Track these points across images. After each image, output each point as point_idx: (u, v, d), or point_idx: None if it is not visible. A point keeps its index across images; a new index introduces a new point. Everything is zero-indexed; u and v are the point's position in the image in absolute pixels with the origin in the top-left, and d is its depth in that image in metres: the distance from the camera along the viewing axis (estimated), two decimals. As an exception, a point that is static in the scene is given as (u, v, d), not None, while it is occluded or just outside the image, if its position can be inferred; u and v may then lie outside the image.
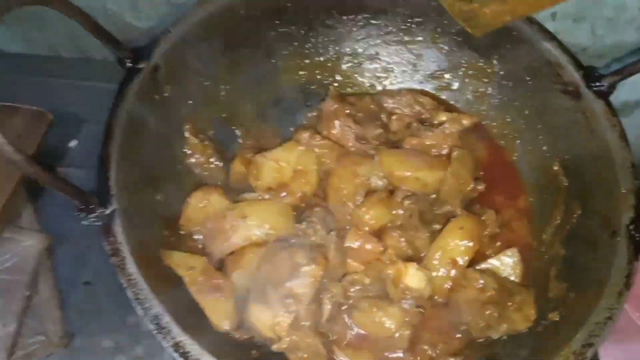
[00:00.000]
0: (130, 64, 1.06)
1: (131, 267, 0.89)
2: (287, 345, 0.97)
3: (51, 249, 1.25)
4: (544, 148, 1.18)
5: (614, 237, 0.95)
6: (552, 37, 1.13)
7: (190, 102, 1.19)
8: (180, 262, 1.03)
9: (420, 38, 1.30)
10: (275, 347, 0.97)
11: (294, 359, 0.99)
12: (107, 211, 0.92)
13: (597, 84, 1.08)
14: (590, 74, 1.09)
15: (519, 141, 1.24)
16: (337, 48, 1.32)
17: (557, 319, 0.95)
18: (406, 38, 1.30)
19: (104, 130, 0.99)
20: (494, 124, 1.28)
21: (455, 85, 1.32)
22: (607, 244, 0.95)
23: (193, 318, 0.93)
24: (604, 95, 1.07)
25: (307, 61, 1.32)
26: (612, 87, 1.08)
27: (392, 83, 1.36)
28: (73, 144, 1.46)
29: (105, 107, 1.01)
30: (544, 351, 0.87)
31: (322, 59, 1.33)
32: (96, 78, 1.56)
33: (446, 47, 1.28)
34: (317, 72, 1.33)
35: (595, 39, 1.47)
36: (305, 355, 0.99)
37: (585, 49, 1.37)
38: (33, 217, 1.29)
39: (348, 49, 1.32)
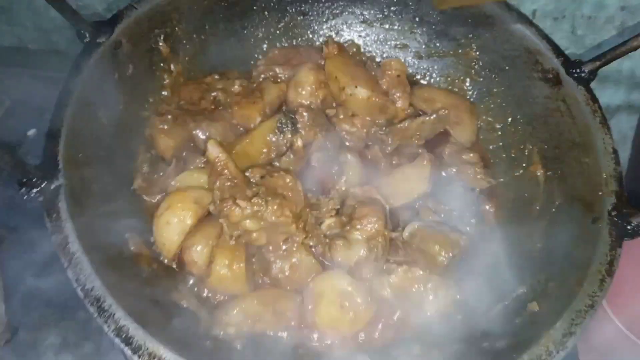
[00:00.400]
0: (89, 38, 1.00)
1: (74, 246, 0.80)
2: None
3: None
4: (524, 138, 1.13)
5: (596, 223, 0.90)
6: (531, 23, 1.10)
7: (154, 83, 1.12)
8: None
9: (398, 27, 1.26)
10: None
11: None
12: (52, 186, 0.84)
13: (578, 70, 1.04)
14: (570, 61, 1.06)
15: (499, 132, 1.19)
16: (311, 36, 1.28)
17: (536, 310, 0.88)
18: (385, 26, 1.26)
19: (56, 102, 0.92)
20: (471, 114, 1.23)
21: (434, 74, 1.27)
22: (589, 231, 0.90)
23: (143, 303, 0.84)
24: (585, 82, 1.04)
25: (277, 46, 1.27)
26: (592, 74, 1.04)
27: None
28: (32, 132, 1.39)
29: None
30: (524, 342, 0.80)
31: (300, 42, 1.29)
32: (60, 69, 1.49)
33: (425, 37, 1.25)
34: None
35: (575, 39, 1.46)
36: None
37: (565, 50, 1.34)
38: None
39: (322, 37, 1.28)
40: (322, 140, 1.09)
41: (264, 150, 1.08)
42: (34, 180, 0.83)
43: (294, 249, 0.98)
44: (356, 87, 1.13)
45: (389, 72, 1.17)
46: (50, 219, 0.82)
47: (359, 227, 0.99)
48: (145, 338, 0.74)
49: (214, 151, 1.00)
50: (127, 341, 0.74)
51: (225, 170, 0.98)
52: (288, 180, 0.99)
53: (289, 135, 1.08)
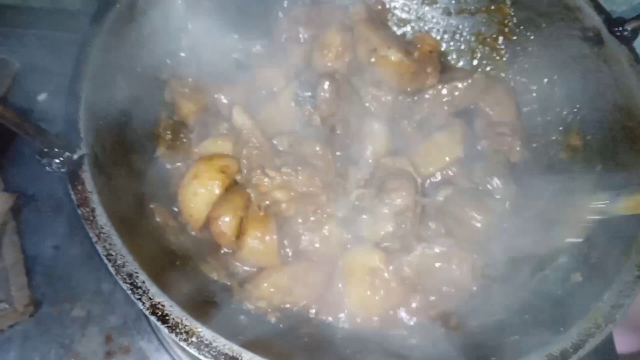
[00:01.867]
0: (103, -4, 0.94)
1: (102, 219, 0.77)
2: None
3: (17, 209, 1.13)
4: (561, 100, 1.08)
5: (641, 190, 0.85)
6: (571, -23, 1.03)
7: (171, 44, 1.06)
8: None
9: (431, -18, 1.19)
10: None
11: None
12: (75, 156, 0.80)
13: (620, 28, 0.98)
14: (612, 19, 1.00)
15: (534, 94, 1.13)
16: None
17: (580, 280, 0.85)
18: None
19: (72, 67, 0.87)
20: (504, 75, 1.17)
21: (465, 32, 1.21)
22: (633, 199, 0.86)
23: (173, 276, 0.81)
24: (627, 41, 0.98)
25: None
26: (635, 32, 0.99)
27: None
28: (42, 97, 1.34)
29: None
30: (569, 315, 0.78)
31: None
32: (67, 29, 1.44)
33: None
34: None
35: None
36: None
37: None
38: (-5, 175, 1.17)
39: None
40: (346, 110, 1.04)
41: (291, 115, 1.03)
42: (55, 150, 0.79)
43: (324, 219, 0.95)
44: (389, 48, 1.06)
45: (420, 47, 1.11)
46: (75, 190, 0.78)
47: (387, 201, 0.95)
48: (182, 315, 0.72)
49: (240, 118, 0.95)
50: (164, 319, 0.72)
51: (252, 138, 0.94)
52: (318, 148, 0.96)
53: (309, 107, 1.03)
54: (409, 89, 1.11)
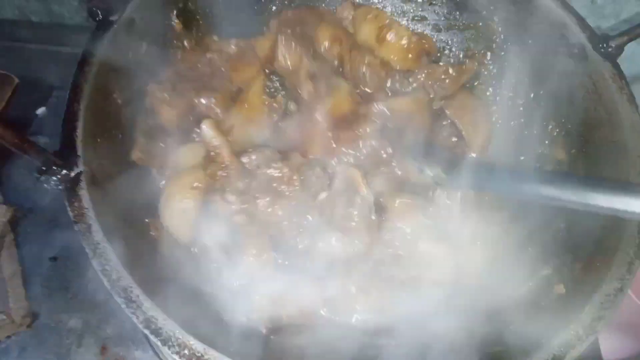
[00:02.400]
0: (102, 16, 0.97)
1: (98, 235, 0.79)
2: None
3: (14, 221, 1.16)
4: (547, 115, 1.11)
5: (624, 203, 0.88)
6: (556, -5, 1.06)
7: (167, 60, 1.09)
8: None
9: (417, -2, 1.22)
10: None
11: None
12: (72, 174, 0.82)
13: (604, 45, 1.01)
14: (596, 36, 1.03)
15: (520, 109, 1.16)
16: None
17: (563, 292, 0.88)
18: (402, -5, 1.23)
19: (70, 86, 0.89)
20: (491, 90, 1.20)
21: (454, 48, 1.23)
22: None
23: (167, 289, 0.83)
24: (612, 57, 1.01)
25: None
26: (619, 49, 1.01)
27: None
28: (41, 111, 1.36)
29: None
30: (551, 326, 0.80)
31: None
32: (67, 43, 1.47)
33: (444, 8, 1.21)
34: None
35: (594, 8, 1.41)
36: None
37: (584, 20, 1.31)
38: (-6, 189, 1.20)
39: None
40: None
41: (266, 111, 1.05)
42: (53, 168, 0.81)
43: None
44: (399, 25, 1.12)
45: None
46: (72, 207, 0.81)
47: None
48: (175, 329, 0.74)
49: (209, 134, 0.97)
50: (157, 332, 0.74)
51: (221, 150, 0.95)
52: (286, 170, 0.97)
53: (281, 96, 1.04)
54: (404, 69, 1.15)
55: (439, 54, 1.25)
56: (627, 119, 0.95)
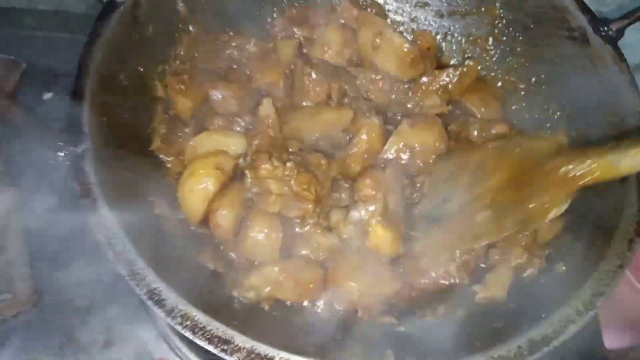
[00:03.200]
0: (109, -1, 0.98)
1: (103, 209, 0.80)
2: None
3: (21, 202, 1.17)
4: (548, 98, 1.11)
5: (624, 183, 0.89)
6: (557, -21, 1.07)
7: (172, 44, 1.11)
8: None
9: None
10: None
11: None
12: (79, 150, 0.84)
13: (605, 28, 1.02)
14: (597, 19, 1.03)
15: (522, 93, 1.17)
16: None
17: (564, 269, 0.89)
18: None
19: (77, 65, 0.91)
20: (493, 74, 1.21)
21: (456, 33, 1.24)
22: (616, 193, 0.89)
23: (171, 265, 0.85)
24: (612, 41, 1.02)
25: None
26: (620, 32, 1.02)
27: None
28: (48, 96, 1.38)
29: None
30: (551, 302, 0.81)
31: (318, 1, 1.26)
32: (73, 30, 1.48)
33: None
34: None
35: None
36: None
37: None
38: (1, 170, 1.20)
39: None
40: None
41: (317, 134, 1.07)
42: (59, 144, 0.83)
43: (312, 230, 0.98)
44: (394, 31, 1.12)
45: (420, 43, 1.16)
46: (78, 182, 0.82)
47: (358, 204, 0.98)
48: (178, 301, 0.75)
49: (268, 109, 1.00)
50: (160, 304, 0.75)
51: (270, 131, 0.97)
52: (323, 162, 1.00)
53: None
54: (405, 79, 1.16)
55: (442, 45, 1.26)
56: (627, 101, 0.96)
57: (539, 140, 0.91)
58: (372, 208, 0.96)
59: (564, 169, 0.81)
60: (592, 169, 0.79)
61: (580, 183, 0.80)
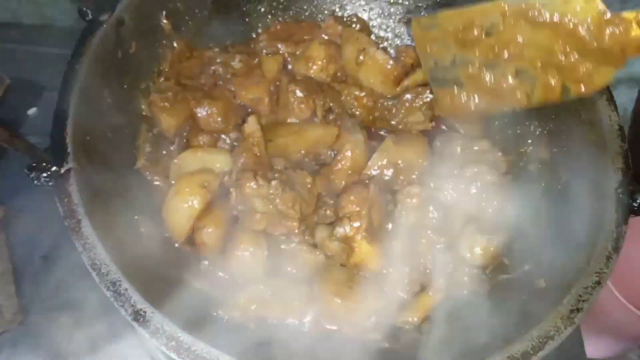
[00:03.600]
0: (92, 16, 0.99)
1: (87, 230, 0.81)
2: None
3: (6, 221, 1.17)
4: (529, 114, 1.13)
5: (602, 200, 0.90)
6: None
7: (156, 60, 1.11)
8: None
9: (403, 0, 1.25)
10: None
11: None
12: (62, 170, 0.84)
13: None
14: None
15: (504, 109, 1.18)
16: (314, 10, 1.26)
17: (543, 286, 0.90)
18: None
19: (60, 84, 0.91)
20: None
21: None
22: (595, 208, 0.91)
23: (156, 284, 0.85)
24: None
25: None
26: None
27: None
28: (32, 111, 1.38)
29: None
30: (531, 317, 0.82)
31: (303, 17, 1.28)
32: (57, 45, 1.47)
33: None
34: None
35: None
36: None
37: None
38: (-15, 189, 1.21)
39: (326, 12, 1.26)
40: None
41: (302, 151, 1.08)
42: (43, 164, 0.83)
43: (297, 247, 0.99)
44: (377, 48, 1.14)
45: (403, 59, 1.17)
46: (61, 203, 0.82)
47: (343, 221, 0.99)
48: (163, 321, 0.75)
49: (253, 126, 1.01)
50: (145, 325, 0.75)
51: (255, 148, 0.98)
52: (308, 180, 1.01)
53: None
54: (389, 95, 1.17)
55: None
56: (605, 118, 0.98)
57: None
58: (356, 224, 0.97)
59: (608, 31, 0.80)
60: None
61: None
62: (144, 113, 1.08)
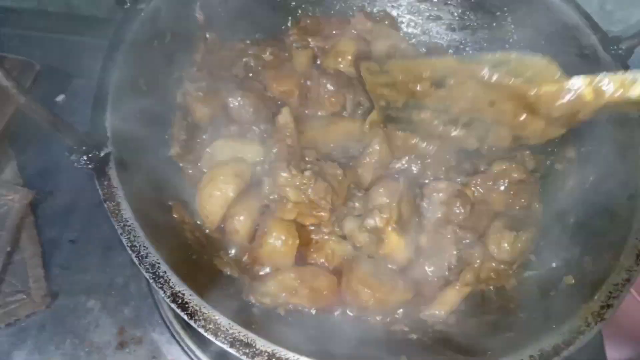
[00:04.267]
0: (129, 4, 1.00)
1: (126, 212, 0.82)
2: None
3: (35, 204, 1.18)
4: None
5: (632, 199, 0.91)
6: (569, -1, 1.10)
7: (190, 50, 1.13)
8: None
9: (433, -2, 1.26)
10: None
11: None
12: (102, 154, 0.85)
13: (615, 47, 1.05)
14: (607, 38, 1.06)
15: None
16: (343, 5, 1.28)
17: (572, 282, 0.91)
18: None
19: (99, 70, 0.92)
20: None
21: (467, 47, 1.27)
22: (624, 207, 0.92)
23: (192, 268, 0.86)
24: (622, 59, 1.05)
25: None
26: (629, 51, 1.05)
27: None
28: (60, 98, 1.39)
29: (94, 63, 0.94)
30: (560, 313, 0.83)
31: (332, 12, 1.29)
32: (83, 33, 1.50)
33: (459, 8, 1.24)
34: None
35: (604, 14, 1.45)
36: None
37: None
38: (17, 172, 1.22)
39: (355, 7, 1.28)
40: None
41: (332, 144, 1.09)
42: (83, 147, 0.84)
43: (325, 238, 1.01)
44: (408, 43, 1.22)
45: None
46: (101, 186, 0.83)
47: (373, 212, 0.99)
48: (201, 304, 0.76)
49: (286, 118, 1.03)
50: (183, 307, 0.76)
51: (288, 139, 0.99)
52: (339, 172, 1.02)
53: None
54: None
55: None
56: (634, 117, 0.98)
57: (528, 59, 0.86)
58: (386, 216, 0.98)
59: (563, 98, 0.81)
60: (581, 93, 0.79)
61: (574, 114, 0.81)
62: (178, 102, 1.09)
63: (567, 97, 0.81)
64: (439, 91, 0.94)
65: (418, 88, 0.97)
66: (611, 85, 0.77)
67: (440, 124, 1.00)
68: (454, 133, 0.99)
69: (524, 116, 0.88)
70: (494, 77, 0.86)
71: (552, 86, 0.82)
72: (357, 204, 1.04)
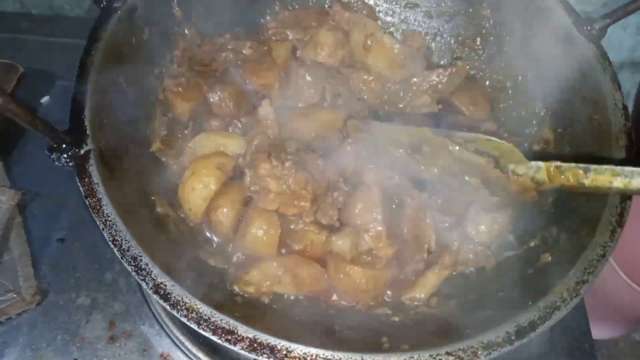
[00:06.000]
0: (106, 3, 1.01)
1: (107, 208, 0.83)
2: None
3: (23, 205, 1.20)
4: (534, 96, 1.15)
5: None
6: (542, -19, 1.11)
7: (168, 46, 1.13)
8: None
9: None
10: None
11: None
12: (82, 151, 0.86)
13: (588, 27, 1.06)
14: (581, 19, 1.07)
15: (510, 91, 1.21)
16: None
17: (549, 260, 0.92)
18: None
19: (77, 69, 0.93)
20: (482, 74, 1.25)
21: (445, 34, 1.28)
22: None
23: (174, 260, 0.88)
24: (595, 39, 1.06)
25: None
26: (603, 31, 1.06)
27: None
28: (45, 100, 1.40)
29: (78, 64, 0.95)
30: (538, 290, 0.84)
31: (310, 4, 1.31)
32: (67, 35, 1.51)
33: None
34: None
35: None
36: None
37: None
38: (3, 173, 1.23)
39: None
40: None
41: (312, 134, 1.10)
42: (63, 146, 0.85)
43: (305, 228, 1.02)
44: (384, 33, 1.17)
45: (409, 43, 1.19)
46: (82, 183, 0.85)
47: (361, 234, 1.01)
48: (183, 294, 0.78)
49: (267, 110, 1.04)
50: (166, 297, 0.78)
51: (269, 131, 1.00)
52: (320, 162, 1.03)
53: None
54: (396, 79, 1.19)
55: (432, 46, 1.31)
56: (609, 97, 1.00)
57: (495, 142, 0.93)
58: (374, 233, 0.99)
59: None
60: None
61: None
62: (159, 98, 1.10)
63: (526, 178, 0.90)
64: (414, 155, 1.00)
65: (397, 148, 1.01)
66: (567, 173, 0.85)
67: None
68: None
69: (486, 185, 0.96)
70: (462, 154, 0.94)
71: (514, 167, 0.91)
72: (341, 199, 1.04)
